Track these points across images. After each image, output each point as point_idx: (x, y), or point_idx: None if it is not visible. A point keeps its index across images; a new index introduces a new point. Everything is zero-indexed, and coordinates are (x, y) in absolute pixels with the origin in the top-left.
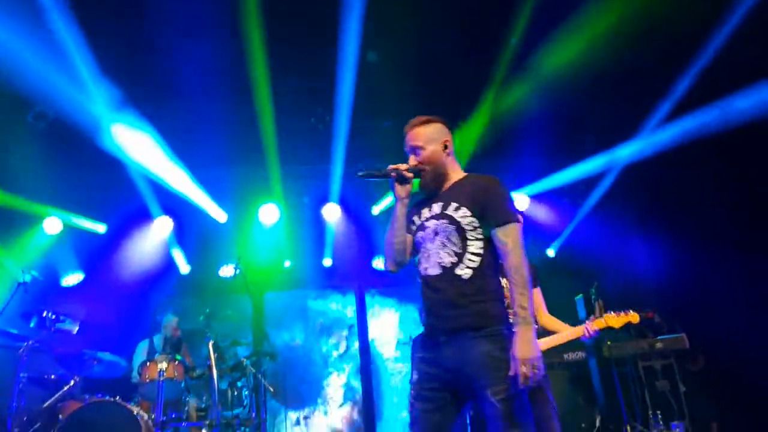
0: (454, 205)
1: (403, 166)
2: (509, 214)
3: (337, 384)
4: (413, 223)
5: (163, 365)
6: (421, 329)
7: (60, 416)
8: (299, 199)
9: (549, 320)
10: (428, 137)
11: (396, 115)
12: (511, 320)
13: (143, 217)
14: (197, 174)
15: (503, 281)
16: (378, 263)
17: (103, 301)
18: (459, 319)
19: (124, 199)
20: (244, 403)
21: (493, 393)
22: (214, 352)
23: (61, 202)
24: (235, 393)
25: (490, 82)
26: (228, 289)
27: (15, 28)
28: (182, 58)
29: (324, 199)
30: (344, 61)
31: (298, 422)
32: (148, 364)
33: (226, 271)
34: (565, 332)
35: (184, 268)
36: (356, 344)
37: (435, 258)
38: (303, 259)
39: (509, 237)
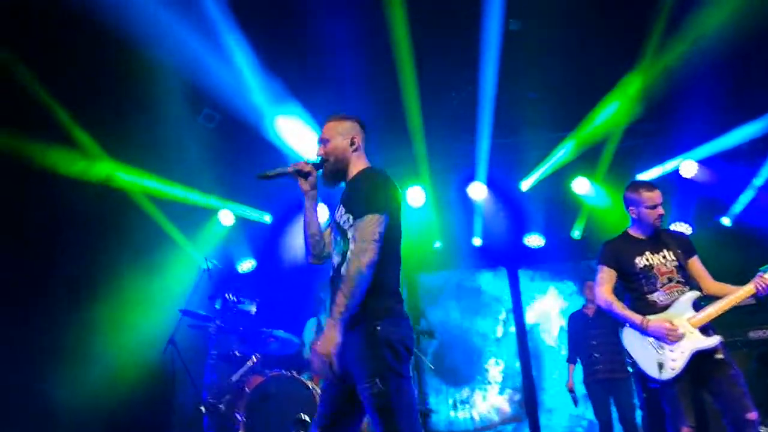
0: (339, 205)
1: (301, 163)
2: (367, 205)
3: (497, 367)
4: None
5: None
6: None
7: (246, 389)
8: (445, 178)
9: (715, 286)
10: (336, 131)
11: (542, 86)
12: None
13: (302, 205)
14: None
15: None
16: (530, 240)
17: (274, 285)
18: None
19: (285, 190)
20: None
21: (362, 388)
22: None
23: (232, 195)
24: None
25: (645, 45)
26: None
27: (187, 35)
28: (331, 42)
29: (470, 178)
30: (487, 31)
31: (457, 404)
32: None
33: None
34: (734, 294)
35: None
36: (512, 328)
37: (332, 260)
38: (452, 239)
39: (359, 230)
